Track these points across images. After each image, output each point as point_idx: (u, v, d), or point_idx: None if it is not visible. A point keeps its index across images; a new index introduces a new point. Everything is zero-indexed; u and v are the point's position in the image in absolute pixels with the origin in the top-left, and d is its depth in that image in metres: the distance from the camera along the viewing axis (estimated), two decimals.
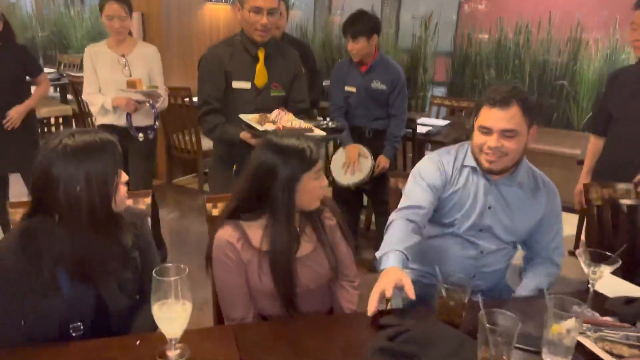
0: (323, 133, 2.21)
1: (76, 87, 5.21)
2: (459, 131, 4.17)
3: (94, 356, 1.27)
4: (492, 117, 1.62)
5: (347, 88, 3.30)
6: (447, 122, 4.27)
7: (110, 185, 1.35)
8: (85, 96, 3.15)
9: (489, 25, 5.54)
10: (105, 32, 3.14)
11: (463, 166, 1.76)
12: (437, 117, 4.70)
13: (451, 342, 1.25)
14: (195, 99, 4.42)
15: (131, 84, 2.91)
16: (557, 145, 4.82)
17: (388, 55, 3.40)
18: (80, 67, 5.52)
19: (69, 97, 6.13)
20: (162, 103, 3.12)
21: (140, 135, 3.10)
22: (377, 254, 1.60)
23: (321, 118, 2.59)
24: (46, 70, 6.49)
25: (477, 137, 1.68)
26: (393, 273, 1.47)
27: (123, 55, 3.06)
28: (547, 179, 1.81)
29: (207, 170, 4.95)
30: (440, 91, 6.14)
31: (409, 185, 1.80)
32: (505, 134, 1.61)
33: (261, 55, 2.41)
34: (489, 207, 1.75)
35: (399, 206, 1.75)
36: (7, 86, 3.14)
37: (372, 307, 1.40)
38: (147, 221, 1.58)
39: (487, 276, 1.83)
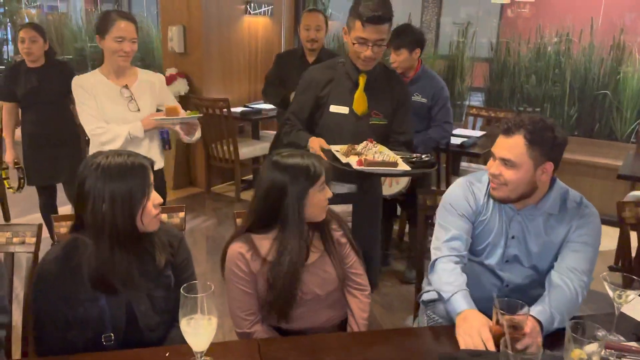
0: (407, 167, 2.14)
1: None
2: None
3: None
4: (497, 143, 1.62)
5: None
6: (482, 133, 4.21)
7: (136, 206, 1.43)
8: (93, 132, 2.45)
9: (528, 32, 5.44)
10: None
11: (489, 193, 1.71)
12: (473, 127, 4.66)
13: None
14: (233, 109, 4.64)
15: (172, 111, 2.50)
16: (598, 156, 4.70)
17: (431, 69, 3.39)
18: None
19: None
20: (198, 134, 2.62)
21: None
22: (444, 295, 1.60)
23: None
24: None
25: (489, 161, 1.67)
26: (479, 319, 1.48)
27: (126, 87, 2.51)
28: (585, 204, 1.67)
29: (243, 178, 5.08)
30: (477, 97, 6.06)
31: (441, 215, 1.76)
32: (505, 162, 1.58)
33: (362, 81, 2.33)
34: (512, 237, 1.70)
35: (439, 239, 1.72)
36: (51, 102, 3.30)
37: (479, 347, 1.39)
38: (184, 241, 1.65)
39: None
